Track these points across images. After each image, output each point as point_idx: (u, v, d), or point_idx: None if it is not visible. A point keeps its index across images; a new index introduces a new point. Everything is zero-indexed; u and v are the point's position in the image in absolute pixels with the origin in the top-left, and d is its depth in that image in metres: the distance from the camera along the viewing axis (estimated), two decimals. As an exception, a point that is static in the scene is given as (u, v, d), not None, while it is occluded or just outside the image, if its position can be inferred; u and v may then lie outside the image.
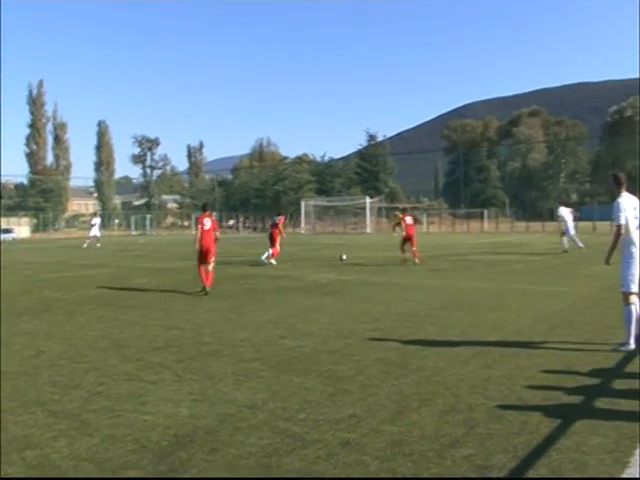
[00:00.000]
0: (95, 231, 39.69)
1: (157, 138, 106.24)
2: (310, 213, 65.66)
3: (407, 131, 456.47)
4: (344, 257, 22.25)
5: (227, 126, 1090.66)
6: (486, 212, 68.54)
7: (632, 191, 7.52)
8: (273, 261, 21.19)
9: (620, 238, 7.20)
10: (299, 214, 66.87)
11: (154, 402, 5.33)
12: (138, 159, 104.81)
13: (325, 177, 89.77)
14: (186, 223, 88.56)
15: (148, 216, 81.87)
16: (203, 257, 13.64)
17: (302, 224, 64.52)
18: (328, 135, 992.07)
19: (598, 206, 69.26)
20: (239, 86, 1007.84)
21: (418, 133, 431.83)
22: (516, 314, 9.60)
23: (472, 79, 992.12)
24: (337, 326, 8.82)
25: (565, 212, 25.17)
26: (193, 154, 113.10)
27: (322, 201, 70.59)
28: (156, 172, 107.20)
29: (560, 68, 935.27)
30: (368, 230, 58.20)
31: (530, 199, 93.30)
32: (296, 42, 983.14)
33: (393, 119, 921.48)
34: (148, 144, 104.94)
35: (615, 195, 7.41)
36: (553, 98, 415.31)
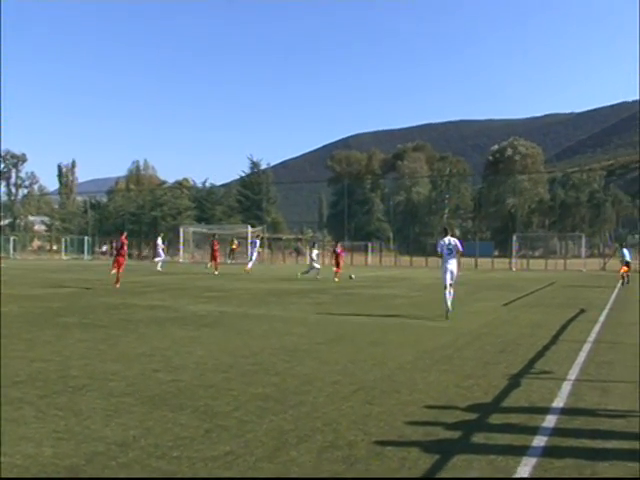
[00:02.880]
0: (160, 252, 41.47)
1: (24, 154, 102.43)
2: (189, 241, 64.76)
3: (291, 160, 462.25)
4: (353, 276, 31.13)
5: (103, 145, 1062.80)
6: (370, 245, 69.96)
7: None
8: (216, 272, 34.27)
9: (442, 258, 15.22)
10: (177, 241, 65.89)
11: (13, 442, 5.08)
12: (1, 176, 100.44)
13: (205, 204, 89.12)
14: (55, 247, 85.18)
15: (12, 238, 78.26)
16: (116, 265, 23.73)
17: (180, 252, 63.52)
18: (209, 161, 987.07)
19: (480, 243, 72.27)
20: (116, 104, 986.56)
21: (303, 162, 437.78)
22: (397, 350, 9.85)
23: (359, 110, 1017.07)
24: (214, 359, 8.75)
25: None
26: (65, 174, 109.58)
27: (202, 228, 69.86)
28: (22, 191, 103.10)
29: (445, 104, 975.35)
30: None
31: (414, 233, 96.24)
32: (175, 59, 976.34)
33: (277, 147, 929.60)
34: (13, 160, 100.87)
35: (441, 237, 15.60)
36: (438, 134, 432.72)
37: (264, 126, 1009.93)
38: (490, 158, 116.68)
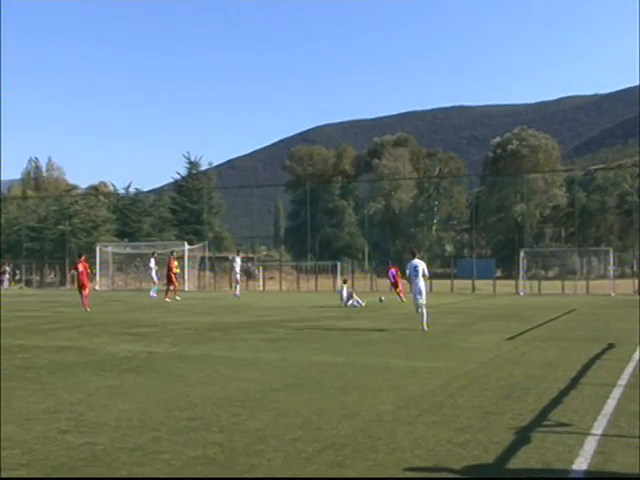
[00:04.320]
0: (154, 276, 43.59)
1: None
2: (108, 262, 64.22)
3: (239, 159, 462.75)
4: (383, 298, 37.67)
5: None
6: (339, 265, 70.04)
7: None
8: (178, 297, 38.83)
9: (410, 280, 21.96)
10: (93, 264, 65.42)
11: None
12: None
13: (129, 215, 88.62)
14: None
15: None
16: (80, 289, 30.11)
17: (97, 277, 63.06)
18: (134, 159, 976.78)
19: (479, 260, 72.53)
20: (8, 86, 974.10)
21: (254, 162, 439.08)
22: (374, 397, 9.87)
23: (323, 95, 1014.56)
24: (141, 414, 8.69)
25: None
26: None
27: (125, 247, 69.41)
28: None
29: (433, 87, 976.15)
30: (187, 286, 57.79)
31: (396, 250, 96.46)
32: (85, 18, 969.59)
33: (221, 142, 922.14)
34: None
35: (409, 259, 21.87)
36: (424, 124, 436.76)
37: (203, 115, 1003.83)
38: (490, 154, 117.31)
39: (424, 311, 20.44)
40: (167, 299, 37.99)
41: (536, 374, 12.03)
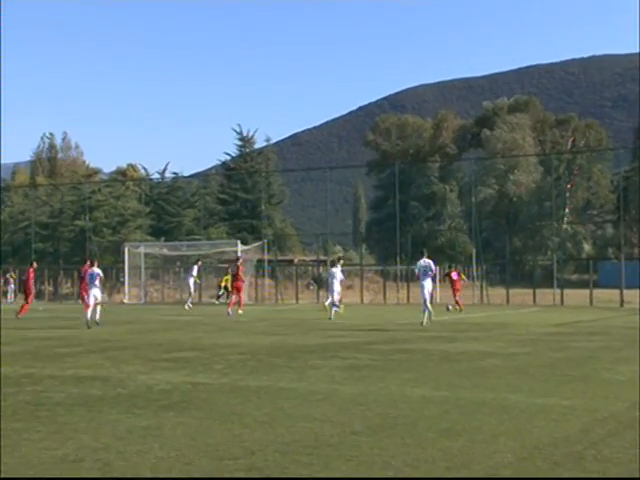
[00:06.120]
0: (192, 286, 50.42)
1: None
2: (140, 268, 64.92)
3: (307, 132, 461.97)
4: (450, 307, 42.96)
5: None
6: (439, 270, 69.82)
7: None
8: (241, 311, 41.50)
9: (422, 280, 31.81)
10: (121, 269, 66.20)
11: None
12: None
13: (166, 207, 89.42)
14: None
15: None
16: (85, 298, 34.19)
17: (126, 286, 63.84)
18: (171, 136, 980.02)
19: (629, 263, 71.08)
20: (16, 50, 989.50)
21: (325, 136, 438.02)
22: (488, 444, 9.81)
23: (415, 47, 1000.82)
24: (184, 464, 8.77)
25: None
26: None
27: (161, 248, 70.04)
28: None
29: (563, 30, 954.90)
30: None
31: (512, 250, 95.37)
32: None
33: (283, 112, 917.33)
34: None
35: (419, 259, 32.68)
36: (552, 81, 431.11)
37: (258, 76, 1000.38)
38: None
39: (429, 308, 30.25)
40: (240, 310, 41.74)
41: None
